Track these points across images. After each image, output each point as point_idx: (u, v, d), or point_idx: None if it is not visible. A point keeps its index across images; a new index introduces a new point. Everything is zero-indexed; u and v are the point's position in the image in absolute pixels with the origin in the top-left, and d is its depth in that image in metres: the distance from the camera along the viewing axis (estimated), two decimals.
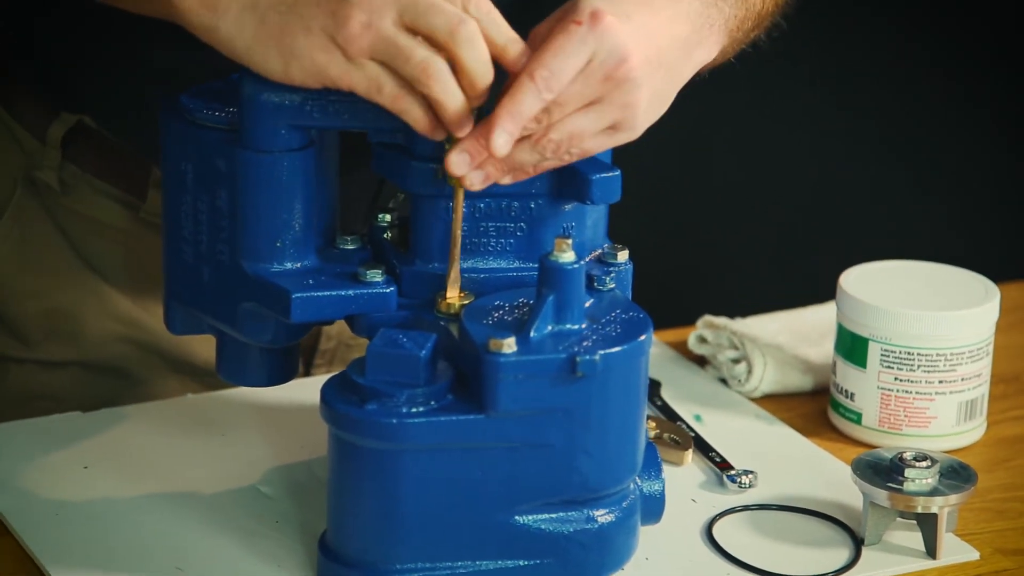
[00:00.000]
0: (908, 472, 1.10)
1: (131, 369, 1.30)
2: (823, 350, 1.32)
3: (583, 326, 1.03)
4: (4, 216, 1.28)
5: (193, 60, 1.13)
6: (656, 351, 1.35)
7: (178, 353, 1.30)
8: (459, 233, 1.06)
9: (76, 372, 1.29)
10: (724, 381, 1.32)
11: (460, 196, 1.05)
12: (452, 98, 1.00)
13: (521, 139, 1.02)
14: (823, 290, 1.37)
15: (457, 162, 1.02)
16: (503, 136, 1.00)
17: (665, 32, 1.04)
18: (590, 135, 1.03)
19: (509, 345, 1.00)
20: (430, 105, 1.01)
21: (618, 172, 1.06)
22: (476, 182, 1.03)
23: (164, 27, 1.07)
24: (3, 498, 1.12)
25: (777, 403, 1.30)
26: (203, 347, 1.29)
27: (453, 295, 1.06)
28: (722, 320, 1.34)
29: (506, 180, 1.04)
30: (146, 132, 1.22)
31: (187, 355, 1.30)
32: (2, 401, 1.30)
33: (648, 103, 1.04)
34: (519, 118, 1.00)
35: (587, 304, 1.04)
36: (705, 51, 1.08)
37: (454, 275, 1.06)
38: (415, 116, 1.01)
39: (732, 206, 2.16)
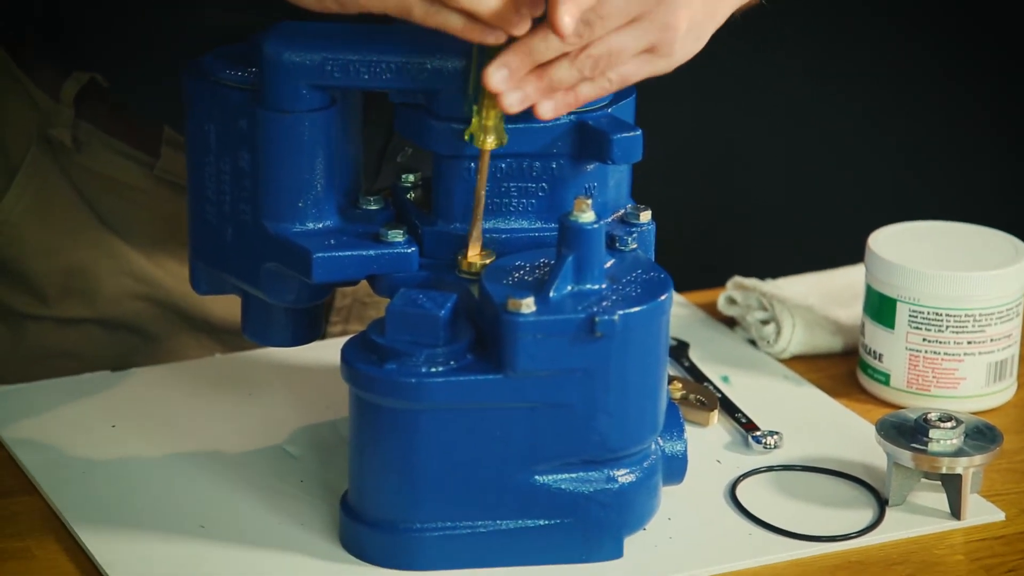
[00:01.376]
0: (932, 433, 1.10)
1: (147, 327, 1.31)
2: (854, 311, 1.31)
3: (603, 286, 1.02)
4: (19, 174, 1.29)
5: (201, 19, 1.14)
6: (685, 312, 1.35)
7: (194, 311, 1.31)
8: (483, 194, 1.06)
9: (92, 329, 1.30)
10: (753, 342, 1.31)
11: (485, 157, 1.05)
12: (485, 4, 0.99)
13: (559, 56, 1.01)
14: (857, 251, 1.36)
15: (496, 77, 1.00)
16: (567, 17, 0.97)
17: None
18: (629, 55, 1.02)
19: (528, 305, 1.00)
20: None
21: (639, 132, 1.06)
22: (515, 103, 1.01)
23: None
24: (31, 456, 1.13)
25: (806, 364, 1.29)
26: (219, 305, 1.30)
27: (475, 254, 1.06)
28: (751, 281, 1.33)
29: (546, 109, 1.02)
30: (155, 91, 1.22)
31: (203, 313, 1.31)
32: (20, 358, 1.31)
33: (687, 29, 1.03)
34: (577, 4, 0.98)
35: (608, 264, 1.04)
36: None
37: (476, 234, 1.06)
38: (456, 25, 1.00)
39: (765, 166, 2.15)
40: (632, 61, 1.03)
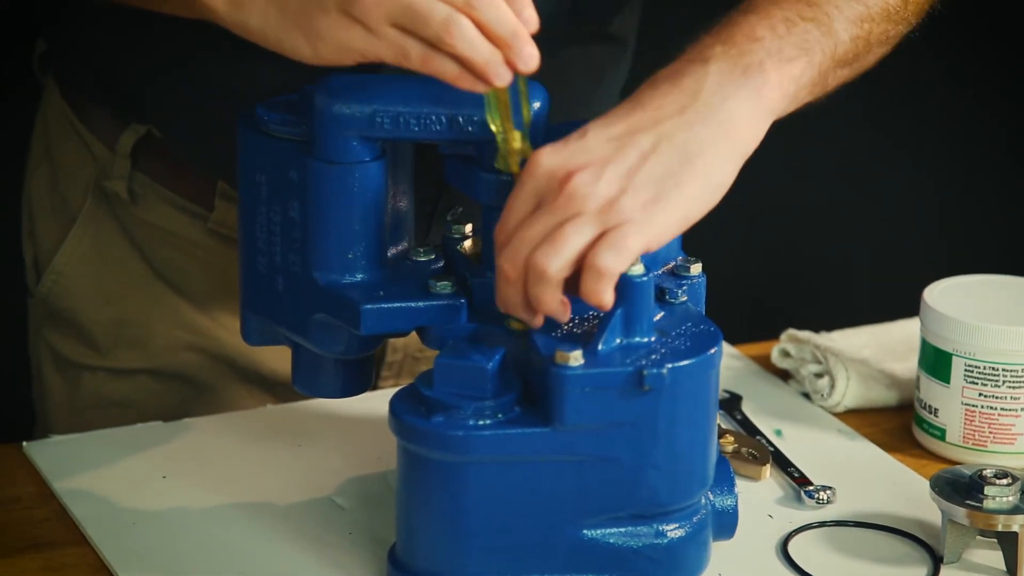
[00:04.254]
0: (988, 489, 1.08)
1: (199, 378, 1.31)
2: (910, 365, 1.30)
3: (652, 339, 1.02)
4: (76, 225, 1.30)
5: (254, 75, 1.14)
6: (739, 365, 1.34)
7: (246, 363, 1.31)
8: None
9: (145, 380, 1.31)
10: (807, 396, 1.30)
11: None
12: (479, 52, 0.99)
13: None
14: (913, 303, 1.34)
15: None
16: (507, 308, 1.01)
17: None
18: (571, 256, 0.98)
19: (576, 358, 0.99)
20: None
21: None
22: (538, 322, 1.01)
23: (227, 43, 1.08)
24: (82, 506, 1.13)
25: (861, 418, 1.28)
26: (271, 357, 1.30)
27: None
28: (805, 334, 1.32)
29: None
30: (209, 145, 1.23)
31: (255, 364, 1.31)
32: (74, 407, 1.32)
33: (639, 210, 0.99)
34: (511, 307, 1.01)
35: (658, 317, 1.03)
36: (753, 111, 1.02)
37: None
38: (450, 72, 1.00)
39: (820, 218, 2.14)
40: (594, 258, 0.98)
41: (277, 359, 1.31)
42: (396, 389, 1.24)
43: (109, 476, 1.17)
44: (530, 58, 1.00)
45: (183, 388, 1.32)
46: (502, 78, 1.00)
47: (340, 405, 1.25)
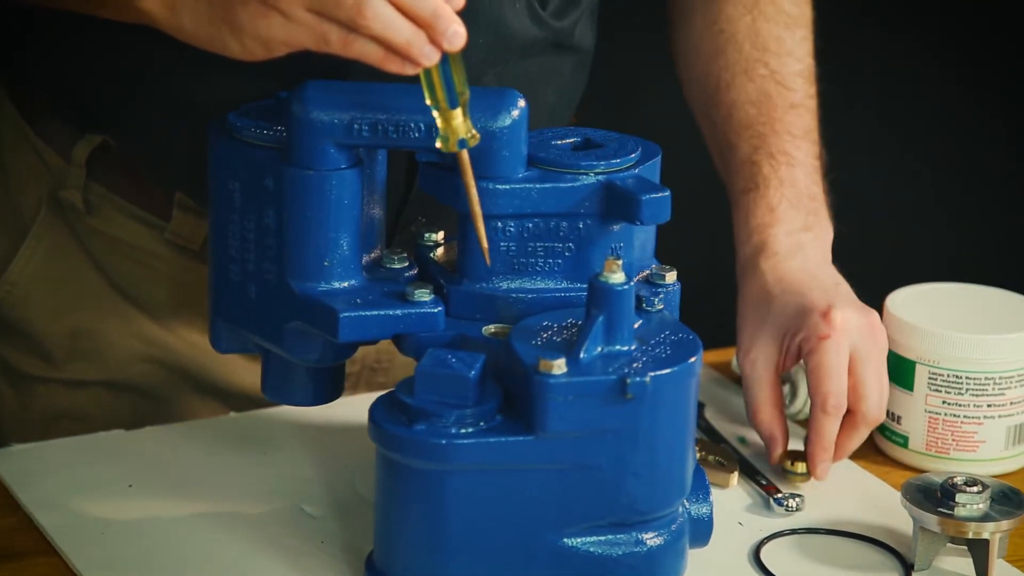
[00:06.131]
0: (959, 497, 1.09)
1: (155, 389, 1.29)
2: None
3: (632, 347, 1.02)
4: (30, 236, 1.28)
5: (213, 87, 1.13)
6: None
7: (202, 374, 1.29)
8: (474, 194, 1.03)
9: (100, 392, 1.29)
10: None
11: (462, 158, 1.03)
12: (396, 32, 0.98)
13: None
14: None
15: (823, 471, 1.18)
16: (823, 465, 1.18)
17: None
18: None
19: (559, 366, 0.99)
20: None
21: (668, 192, 1.06)
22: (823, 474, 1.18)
23: (185, 55, 1.07)
24: (50, 516, 1.12)
25: None
26: (228, 369, 1.29)
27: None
28: None
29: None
30: (167, 155, 1.21)
31: (211, 376, 1.29)
32: (28, 421, 1.30)
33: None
34: (830, 446, 1.17)
35: (636, 325, 1.04)
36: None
37: (483, 247, 1.05)
38: (373, 55, 0.99)
39: None
40: None
41: (234, 370, 1.29)
42: (353, 398, 1.24)
43: (75, 485, 1.16)
44: (455, 36, 0.99)
45: (139, 400, 1.30)
46: (428, 58, 0.99)
47: (303, 413, 1.24)
